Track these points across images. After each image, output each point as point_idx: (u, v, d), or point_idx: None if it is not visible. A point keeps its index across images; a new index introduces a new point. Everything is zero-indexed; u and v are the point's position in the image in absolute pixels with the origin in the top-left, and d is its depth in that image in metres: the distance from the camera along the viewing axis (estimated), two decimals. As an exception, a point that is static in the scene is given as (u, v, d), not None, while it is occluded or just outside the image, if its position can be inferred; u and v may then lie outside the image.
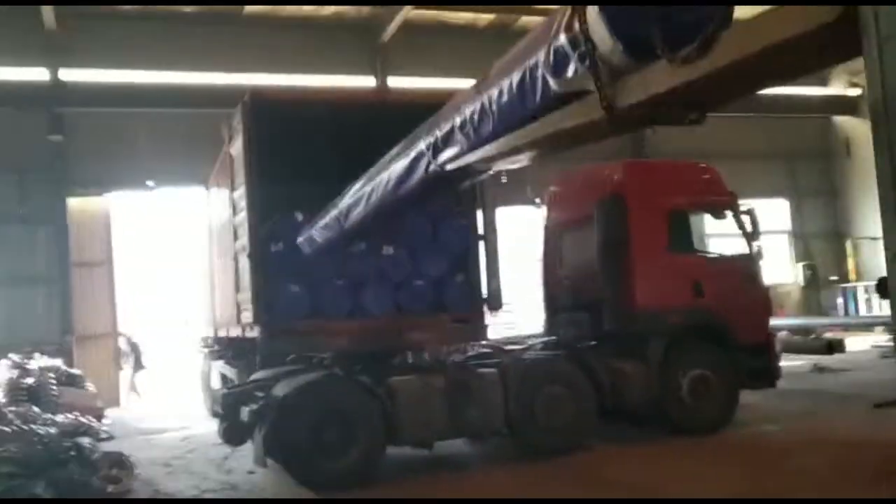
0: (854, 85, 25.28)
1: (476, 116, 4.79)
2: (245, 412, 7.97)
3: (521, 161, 5.28)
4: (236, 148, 9.02)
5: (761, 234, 10.02)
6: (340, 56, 18.92)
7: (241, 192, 8.85)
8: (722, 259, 9.95)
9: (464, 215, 9.14)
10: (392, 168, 6.49)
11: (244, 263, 8.82)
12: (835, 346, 12.64)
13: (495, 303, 9.21)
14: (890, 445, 7.77)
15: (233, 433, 8.33)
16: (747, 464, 7.66)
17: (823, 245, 24.91)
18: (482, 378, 8.50)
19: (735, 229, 10.00)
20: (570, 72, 3.67)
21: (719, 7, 3.12)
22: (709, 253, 9.91)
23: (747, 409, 9.82)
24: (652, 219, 9.53)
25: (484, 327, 9.06)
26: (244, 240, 8.74)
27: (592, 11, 3.41)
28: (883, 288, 6.69)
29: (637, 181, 9.77)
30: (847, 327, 21.07)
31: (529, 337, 10.89)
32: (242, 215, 8.80)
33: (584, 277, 10.03)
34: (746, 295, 9.86)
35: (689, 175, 10.35)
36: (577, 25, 3.50)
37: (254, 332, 8.63)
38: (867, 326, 20.88)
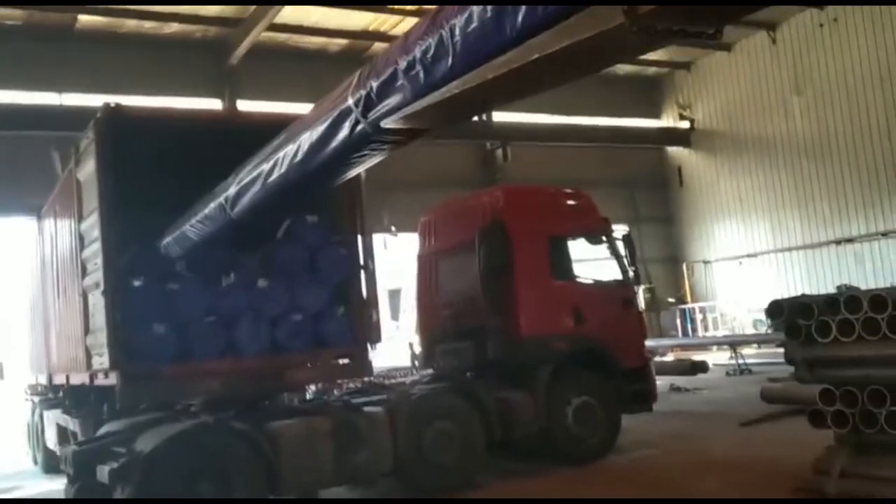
0: (684, 118, 26.87)
1: (430, 54, 3.88)
2: (104, 472, 6.97)
3: (467, 111, 4.47)
4: (86, 171, 8.04)
5: (637, 259, 10.13)
6: (186, 77, 17.88)
7: (91, 222, 7.86)
8: (600, 285, 9.95)
9: (343, 244, 8.59)
10: (302, 137, 5.45)
11: (97, 302, 7.82)
12: (699, 367, 13.05)
13: (376, 336, 8.71)
14: (775, 463, 7.92)
15: (87, 496, 7.30)
16: (645, 490, 7.56)
17: (661, 269, 26.14)
18: (370, 418, 7.95)
19: (607, 254, 10.08)
20: None
21: None
22: (587, 279, 9.89)
23: (623, 433, 9.82)
24: (533, 245, 9.41)
25: (368, 362, 8.52)
26: (96, 275, 7.75)
27: None
28: (773, 310, 6.80)
29: (517, 207, 9.63)
30: (686, 347, 22.14)
31: (404, 369, 10.47)
32: (94, 247, 7.81)
33: (464, 305, 9.75)
34: (624, 320, 9.93)
35: (566, 200, 10.33)
36: None
37: (109, 380, 7.65)
38: (705, 346, 22.03)
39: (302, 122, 5.58)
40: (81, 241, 8.30)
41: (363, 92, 4.60)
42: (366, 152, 5.16)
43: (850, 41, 21.48)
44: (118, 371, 7.37)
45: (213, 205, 7.08)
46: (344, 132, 4.93)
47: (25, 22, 16.37)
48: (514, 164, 22.49)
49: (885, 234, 21.00)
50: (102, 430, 7.87)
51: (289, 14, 17.60)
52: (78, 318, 8.66)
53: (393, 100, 4.37)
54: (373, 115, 4.59)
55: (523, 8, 3.19)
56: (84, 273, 8.26)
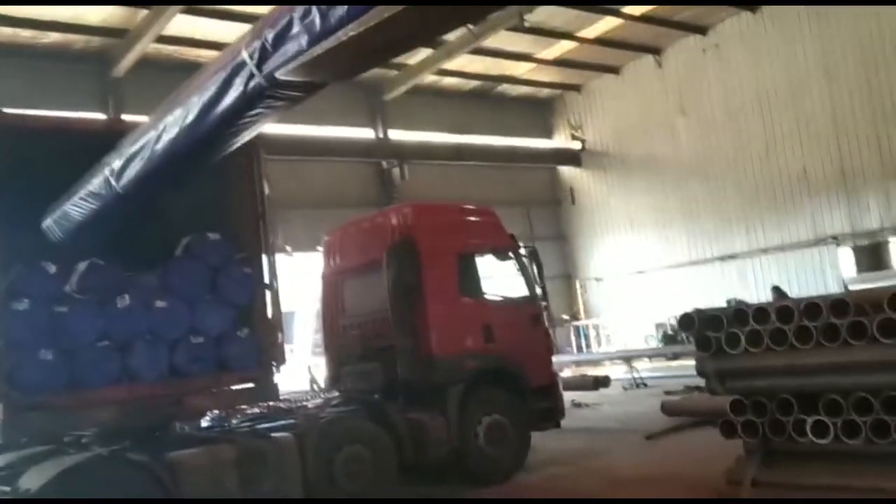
0: (575, 138, 27.54)
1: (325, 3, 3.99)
2: (-16, 514, 6.36)
3: (363, 59, 4.39)
4: None
5: (544, 275, 10.16)
6: (66, 90, 16.91)
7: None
8: (508, 302, 9.92)
9: (246, 262, 8.21)
10: (191, 100, 5.25)
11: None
12: (601, 382, 13.22)
13: (281, 358, 8.35)
14: (685, 475, 8.04)
15: (-37, 542, 6.62)
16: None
17: (555, 286, 26.59)
18: (277, 444, 7.58)
19: (514, 270, 10.07)
20: None
21: None
22: (495, 296, 9.84)
23: (531, 451, 9.77)
24: (442, 262, 9.29)
25: (274, 386, 8.14)
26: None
27: None
28: (685, 322, 6.90)
29: (426, 224, 9.48)
30: (581, 363, 22.52)
31: (304, 393, 10.13)
32: (-28, 269, 7.17)
33: (372, 326, 9.53)
34: (532, 337, 9.92)
35: (473, 217, 10.28)
36: None
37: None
38: (599, 362, 22.47)
39: (190, 85, 5.36)
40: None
41: (258, 43, 4.52)
42: (259, 110, 5.00)
43: (731, 66, 22.56)
44: (2, 402, 6.75)
45: (97, 179, 6.62)
46: (237, 88, 4.80)
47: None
48: (412, 182, 22.42)
49: (764, 251, 22.04)
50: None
51: (177, 26, 16.95)
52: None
53: (289, 47, 4.31)
54: (268, 66, 4.52)
55: None
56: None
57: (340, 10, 3.88)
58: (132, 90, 17.48)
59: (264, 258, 8.31)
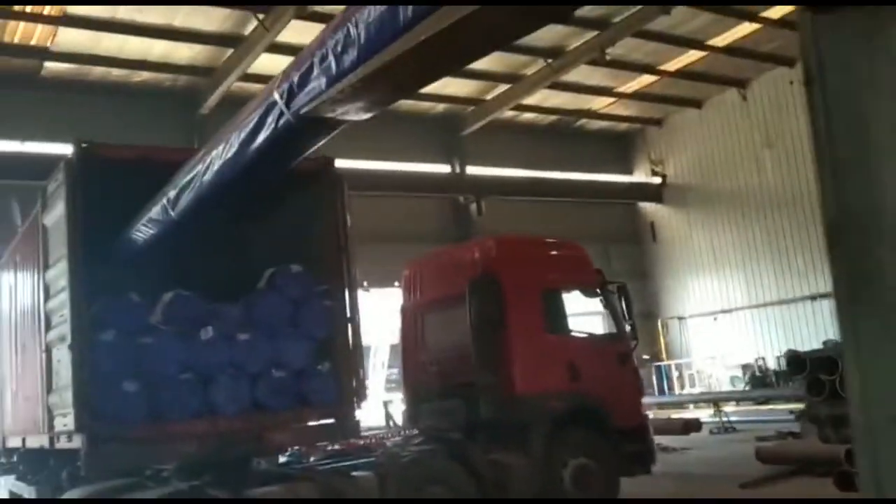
0: (656, 173, 26.95)
1: (340, 45, 4.49)
2: (65, 548, 6.29)
3: (390, 92, 4.87)
4: (54, 216, 7.47)
5: (633, 312, 9.75)
6: (155, 127, 17.35)
7: (58, 271, 7.27)
8: (595, 339, 9.54)
9: (328, 295, 8.07)
10: (231, 135, 5.85)
11: (62, 357, 7.19)
12: (691, 427, 12.62)
13: (363, 394, 8.14)
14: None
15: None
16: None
17: (637, 325, 25.85)
18: (358, 484, 7.35)
19: (601, 307, 9.70)
20: None
21: None
22: (582, 333, 9.46)
23: (621, 496, 9.28)
24: (526, 298, 8.97)
25: (356, 423, 7.92)
26: (62, 328, 7.13)
27: None
28: (794, 364, 6.42)
29: (509, 259, 9.21)
30: (664, 405, 21.74)
31: (382, 430, 9.89)
32: (61, 298, 7.20)
33: (453, 362, 9.25)
34: (621, 376, 9.49)
35: (558, 251, 9.97)
36: None
37: (74, 442, 6.97)
38: (683, 404, 21.65)
39: (231, 124, 5.97)
40: (46, 292, 7.68)
41: (286, 85, 5.10)
42: (292, 144, 5.61)
43: (819, 98, 21.75)
44: (84, 433, 6.71)
45: (156, 207, 6.97)
46: (270, 125, 5.35)
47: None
48: (488, 218, 22.22)
49: (859, 290, 20.95)
50: (63, 499, 7.17)
51: (261, 64, 17.28)
52: (39, 375, 7.99)
53: (312, 87, 4.85)
54: (295, 105, 5.04)
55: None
56: (48, 326, 7.62)
57: (352, 55, 4.36)
58: (217, 127, 17.85)
59: (346, 291, 8.15)
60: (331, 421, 7.87)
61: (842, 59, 1.77)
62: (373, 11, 4.08)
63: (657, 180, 26.69)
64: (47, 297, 7.65)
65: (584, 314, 9.96)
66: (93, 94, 16.72)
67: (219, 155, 6.04)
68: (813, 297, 22.04)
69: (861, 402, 1.85)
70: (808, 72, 1.95)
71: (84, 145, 7.15)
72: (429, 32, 3.81)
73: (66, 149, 15.89)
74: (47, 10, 14.16)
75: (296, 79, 4.97)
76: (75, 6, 14.28)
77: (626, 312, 9.65)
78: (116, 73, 16.86)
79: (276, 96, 5.15)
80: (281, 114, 5.18)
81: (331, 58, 4.57)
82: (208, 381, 7.33)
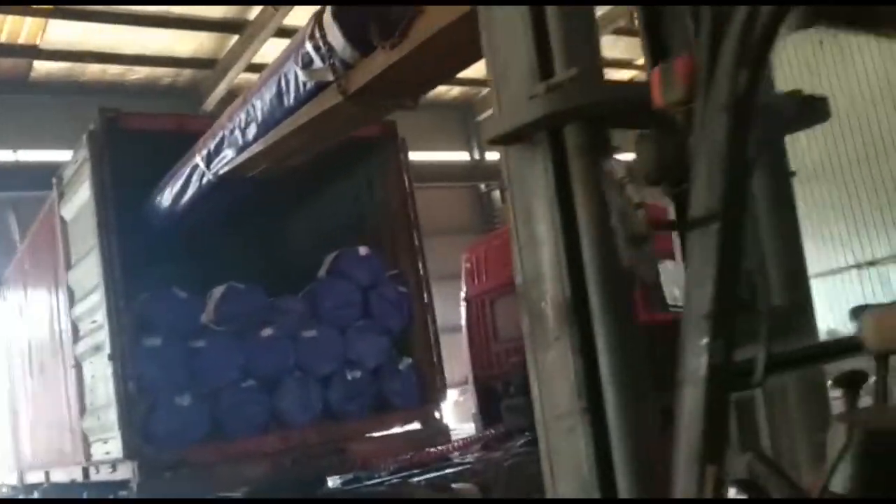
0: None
1: (243, 123, 5.19)
2: None
3: (284, 159, 5.43)
4: (75, 204, 6.28)
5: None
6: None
7: (86, 268, 6.06)
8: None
9: (401, 280, 6.88)
10: (165, 190, 6.43)
11: (97, 371, 5.99)
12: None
13: (443, 393, 6.96)
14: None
15: None
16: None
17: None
18: (463, 497, 6.16)
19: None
20: (315, 68, 4.30)
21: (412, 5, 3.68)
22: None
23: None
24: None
25: (444, 427, 6.73)
26: (97, 336, 5.92)
27: (328, 18, 4.07)
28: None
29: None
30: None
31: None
32: (91, 300, 6.00)
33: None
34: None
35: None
36: (317, 33, 4.13)
37: (120, 472, 5.76)
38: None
39: (169, 175, 6.42)
40: (70, 297, 6.48)
41: (205, 151, 5.75)
42: (219, 196, 6.16)
43: (853, 56, 20.70)
44: (135, 460, 5.50)
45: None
46: (195, 182, 6.02)
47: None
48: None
49: (910, 254, 19.93)
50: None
51: (268, 51, 16.04)
52: (66, 397, 6.81)
53: (224, 154, 5.58)
54: (213, 167, 5.74)
55: (293, 90, 4.57)
56: (76, 337, 6.42)
57: (253, 130, 5.12)
58: (222, 124, 16.65)
59: (420, 274, 6.96)
60: (417, 426, 6.70)
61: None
62: (267, 95, 4.81)
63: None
64: (72, 302, 6.46)
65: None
66: (87, 94, 15.42)
67: (166, 199, 6.50)
68: (858, 266, 20.95)
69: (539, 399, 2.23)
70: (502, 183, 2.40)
71: (110, 115, 5.94)
72: (310, 114, 4.60)
73: (62, 155, 14.58)
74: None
75: (212, 147, 5.65)
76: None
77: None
78: (112, 70, 15.59)
79: (199, 160, 5.82)
80: (203, 174, 5.85)
81: (237, 132, 5.30)
82: (274, 389, 6.15)
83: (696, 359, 1.66)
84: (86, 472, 6.65)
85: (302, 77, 4.43)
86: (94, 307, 5.95)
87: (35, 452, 8.84)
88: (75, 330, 6.42)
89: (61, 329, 6.83)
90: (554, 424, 2.18)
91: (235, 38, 15.31)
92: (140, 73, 16.01)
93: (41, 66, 15.05)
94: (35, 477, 8.95)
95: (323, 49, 4.14)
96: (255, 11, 14.77)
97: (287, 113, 4.74)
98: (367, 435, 6.46)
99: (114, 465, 5.85)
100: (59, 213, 6.60)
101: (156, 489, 5.55)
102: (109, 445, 5.81)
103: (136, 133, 6.08)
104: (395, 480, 6.59)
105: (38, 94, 15.27)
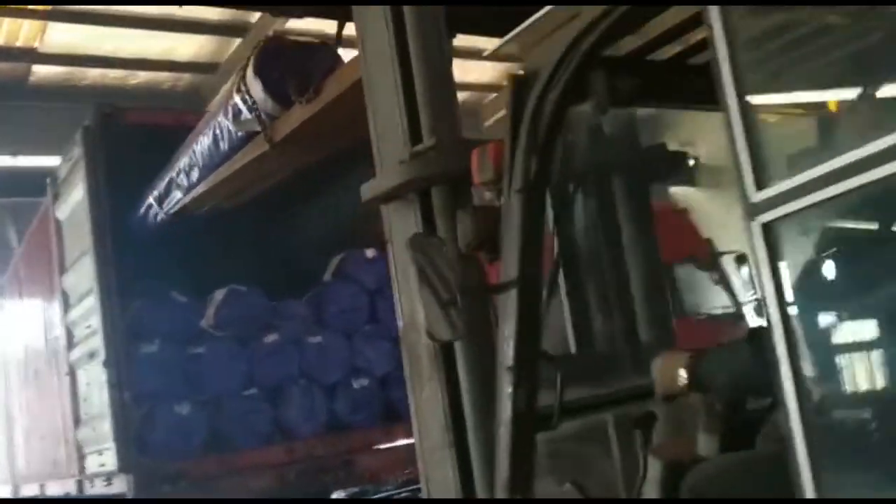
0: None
1: (187, 166, 5.37)
2: None
3: (229, 198, 5.58)
4: (70, 204, 6.01)
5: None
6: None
7: (81, 271, 5.78)
8: (718, 320, 8.11)
9: (410, 283, 6.59)
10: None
11: (92, 379, 5.70)
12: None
13: (453, 402, 6.64)
14: None
15: None
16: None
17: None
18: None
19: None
20: (243, 119, 4.57)
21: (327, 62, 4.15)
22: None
23: None
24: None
25: (456, 437, 6.42)
26: (91, 342, 5.64)
27: (251, 74, 4.40)
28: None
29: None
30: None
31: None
32: (86, 304, 5.73)
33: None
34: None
35: (666, 221, 8.53)
36: (243, 87, 4.46)
37: (116, 486, 5.46)
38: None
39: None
40: (65, 301, 6.20)
41: (156, 192, 5.85)
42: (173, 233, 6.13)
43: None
44: (130, 473, 5.20)
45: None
46: (151, 218, 6.04)
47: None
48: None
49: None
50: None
51: (271, 56, 15.81)
52: (60, 406, 6.51)
53: (173, 195, 5.70)
54: (165, 206, 5.84)
55: (226, 138, 4.89)
56: (70, 343, 6.13)
57: (196, 175, 5.32)
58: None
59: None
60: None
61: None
62: (205, 141, 5.05)
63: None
64: (67, 307, 6.19)
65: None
66: (87, 100, 15.16)
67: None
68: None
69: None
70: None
71: (106, 111, 5.67)
72: (243, 161, 4.85)
73: (57, 160, 14.25)
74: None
75: (162, 189, 5.78)
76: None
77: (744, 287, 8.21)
78: (113, 74, 15.30)
79: (152, 199, 5.95)
80: (157, 212, 5.96)
81: (182, 175, 5.46)
82: (277, 397, 5.86)
83: (504, 404, 1.84)
84: (80, 485, 6.35)
85: (233, 128, 4.73)
86: (88, 312, 5.67)
87: (30, 464, 8.52)
88: (69, 336, 6.13)
89: (55, 335, 6.55)
90: (429, 456, 2.42)
91: (238, 41, 15.06)
92: (140, 77, 15.71)
93: (40, 70, 14.78)
94: (30, 490, 8.64)
95: (249, 102, 4.44)
96: (257, 14, 14.53)
97: (224, 158, 5.02)
98: (375, 447, 6.14)
99: (108, 478, 5.56)
100: (55, 214, 6.32)
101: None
102: (104, 457, 5.51)
103: (132, 129, 5.81)
104: (403, 494, 6.27)
105: (37, 98, 15.01)
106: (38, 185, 12.09)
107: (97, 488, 5.87)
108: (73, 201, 5.91)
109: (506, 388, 1.86)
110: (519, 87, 1.95)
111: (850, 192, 1.35)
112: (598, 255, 2.74)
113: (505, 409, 1.88)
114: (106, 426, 5.34)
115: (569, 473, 2.26)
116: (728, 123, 1.55)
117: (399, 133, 2.48)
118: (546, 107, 1.85)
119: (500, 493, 1.91)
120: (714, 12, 1.55)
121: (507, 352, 1.88)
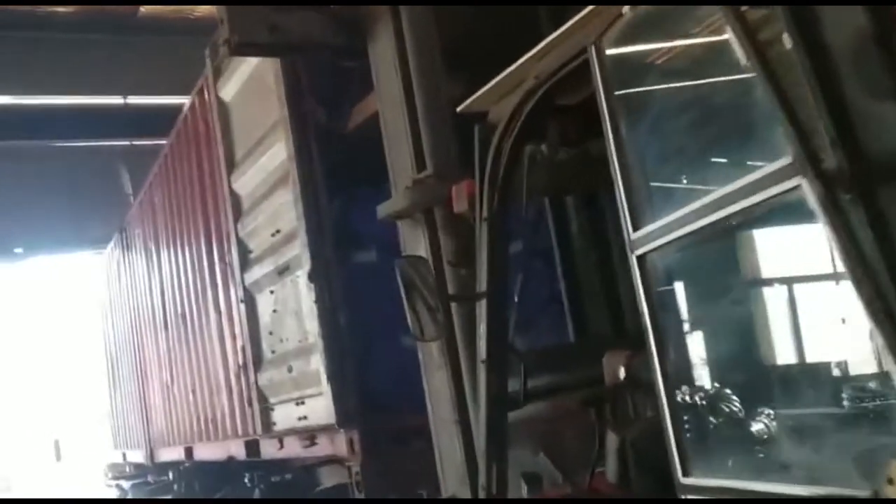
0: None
1: None
2: None
3: None
4: (240, 78, 4.54)
5: None
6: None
7: (264, 161, 4.31)
8: None
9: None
10: None
11: (282, 305, 4.23)
12: None
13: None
14: None
15: None
16: None
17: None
18: None
19: None
20: None
21: None
22: None
23: None
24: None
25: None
26: (285, 253, 4.16)
27: None
28: None
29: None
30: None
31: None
32: (273, 205, 4.26)
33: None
34: None
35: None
36: None
37: (326, 446, 3.99)
38: None
39: None
40: (236, 206, 4.75)
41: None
42: None
43: None
44: (354, 428, 3.70)
45: None
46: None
47: (78, 14, 13.20)
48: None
49: None
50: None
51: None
52: (221, 349, 5.12)
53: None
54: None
55: None
56: (245, 261, 4.68)
57: None
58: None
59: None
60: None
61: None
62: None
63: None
64: (238, 213, 4.72)
65: None
66: (198, 34, 13.90)
67: None
68: None
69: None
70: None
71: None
72: None
73: (172, 101, 12.78)
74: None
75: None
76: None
77: None
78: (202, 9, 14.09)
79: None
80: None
81: None
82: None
83: (480, 389, 2.28)
84: (254, 446, 4.94)
85: None
86: (276, 213, 4.20)
87: (169, 425, 7.28)
88: (244, 251, 4.68)
89: (219, 256, 5.14)
90: (440, 428, 3.05)
91: None
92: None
93: (148, 7, 13.65)
94: (171, 454, 7.43)
95: None
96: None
97: None
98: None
99: (312, 436, 4.08)
100: (217, 93, 4.85)
101: (383, 473, 3.75)
102: (306, 407, 4.05)
103: None
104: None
105: (146, 35, 13.88)
106: (149, 125, 10.86)
107: (289, 449, 4.42)
108: (245, 72, 4.44)
109: (482, 376, 2.28)
110: (483, 133, 2.30)
111: (696, 231, 1.63)
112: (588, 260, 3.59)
113: (481, 393, 2.29)
114: (312, 364, 3.87)
115: (542, 445, 2.65)
116: (612, 171, 1.83)
117: (407, 159, 3.07)
118: (504, 149, 2.21)
119: (479, 459, 2.34)
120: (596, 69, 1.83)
121: (480, 349, 2.28)
